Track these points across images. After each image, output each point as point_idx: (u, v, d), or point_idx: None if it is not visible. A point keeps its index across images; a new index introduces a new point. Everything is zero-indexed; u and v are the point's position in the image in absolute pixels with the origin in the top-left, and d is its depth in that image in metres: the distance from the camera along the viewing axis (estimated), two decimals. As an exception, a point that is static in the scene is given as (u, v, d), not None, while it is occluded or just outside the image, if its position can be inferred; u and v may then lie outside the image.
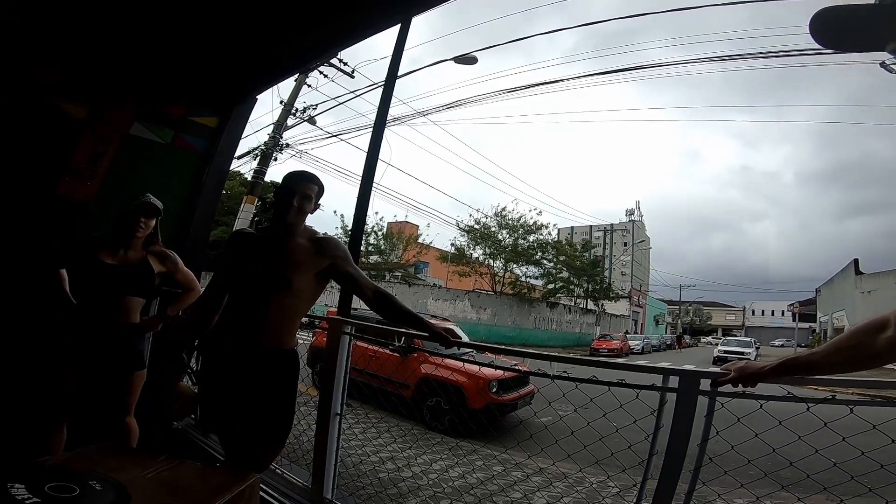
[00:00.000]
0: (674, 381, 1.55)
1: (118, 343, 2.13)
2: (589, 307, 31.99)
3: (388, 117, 2.98)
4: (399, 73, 3.00)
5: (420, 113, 14.02)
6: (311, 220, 1.91)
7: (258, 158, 11.19)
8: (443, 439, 4.21)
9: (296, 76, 10.76)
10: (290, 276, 1.69)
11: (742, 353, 22.32)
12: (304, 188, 1.75)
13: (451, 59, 10.76)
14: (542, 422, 2.12)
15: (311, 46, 3.05)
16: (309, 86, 11.51)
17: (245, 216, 10.63)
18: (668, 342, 36.78)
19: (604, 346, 24.89)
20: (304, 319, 2.25)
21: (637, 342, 28.46)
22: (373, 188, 2.94)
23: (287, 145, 11.40)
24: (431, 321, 2.01)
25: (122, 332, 2.15)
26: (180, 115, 3.51)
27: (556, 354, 2.00)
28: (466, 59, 10.65)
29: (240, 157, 11.43)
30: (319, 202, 1.85)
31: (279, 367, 1.74)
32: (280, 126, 11.23)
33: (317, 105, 11.90)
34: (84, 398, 2.13)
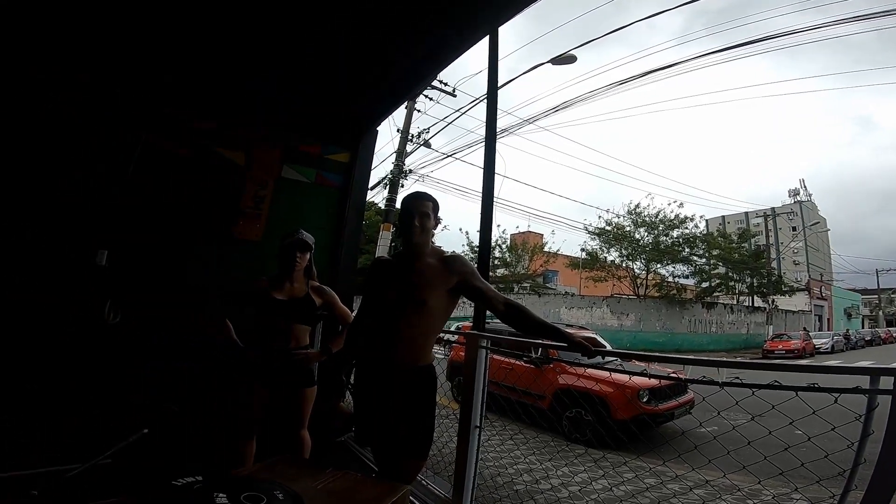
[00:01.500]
0: (886, 382, 1.28)
1: (292, 365, 2.44)
2: (756, 304, 27.72)
3: (497, 129, 2.99)
4: (498, 84, 3.00)
5: (527, 120, 13.73)
6: (439, 239, 1.99)
7: (387, 187, 12.13)
8: (586, 451, 3.94)
9: (405, 104, 11.45)
10: (423, 295, 1.77)
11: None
12: (419, 207, 1.83)
13: (548, 62, 10.42)
14: (707, 431, 1.85)
15: (412, 73, 3.22)
16: (419, 111, 12.19)
17: (384, 243, 11.49)
18: (868, 338, 30.15)
19: (780, 346, 21.19)
20: (443, 335, 2.31)
21: (824, 340, 23.79)
22: (494, 201, 2.97)
23: (410, 171, 12.18)
24: (569, 330, 1.92)
25: (295, 356, 2.46)
26: (318, 155, 3.95)
27: (725, 360, 1.74)
28: (565, 59, 10.20)
29: (372, 188, 12.50)
30: (439, 217, 1.92)
31: (418, 382, 1.82)
32: (401, 154, 12.04)
33: (429, 128, 12.55)
34: (268, 415, 2.46)
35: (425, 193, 1.91)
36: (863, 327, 38.93)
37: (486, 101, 2.97)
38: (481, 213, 2.89)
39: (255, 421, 2.43)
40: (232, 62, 3.18)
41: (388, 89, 3.48)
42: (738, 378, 1.57)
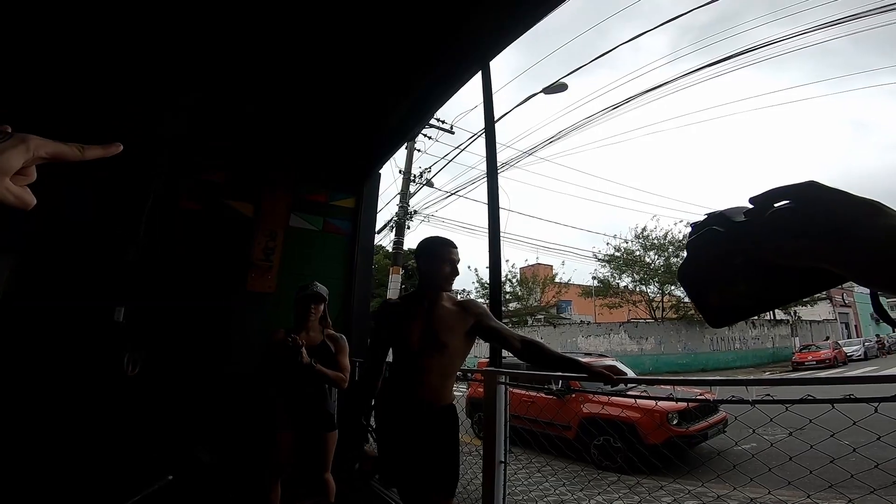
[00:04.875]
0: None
1: (313, 410, 2.51)
2: (779, 318, 26.99)
3: (497, 162, 3.03)
4: (495, 117, 3.07)
5: (526, 152, 13.88)
6: None
7: (394, 229, 12.20)
8: (619, 478, 3.76)
9: (405, 145, 11.71)
10: (445, 339, 1.82)
11: None
12: (453, 255, 1.91)
13: (540, 92, 10.65)
14: (744, 449, 1.78)
15: (410, 114, 3.32)
16: (419, 150, 12.40)
17: (394, 286, 11.45)
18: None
19: (809, 357, 20.38)
20: (460, 373, 2.30)
21: (855, 347, 22.92)
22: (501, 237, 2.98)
23: (415, 212, 12.29)
24: (587, 360, 1.90)
25: (315, 400, 2.52)
26: (324, 202, 4.02)
27: (752, 378, 1.69)
28: (556, 88, 10.43)
29: (378, 231, 12.57)
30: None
31: (442, 421, 1.83)
32: (405, 195, 12.15)
33: (430, 167, 12.72)
34: (293, 459, 2.50)
35: (452, 242, 1.97)
36: (894, 331, 37.55)
37: (484, 135, 3.03)
38: (489, 251, 2.88)
39: (282, 465, 2.48)
40: (235, 115, 3.30)
41: (387, 132, 3.59)
42: (769, 395, 1.52)
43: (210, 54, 2.75)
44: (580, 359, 1.91)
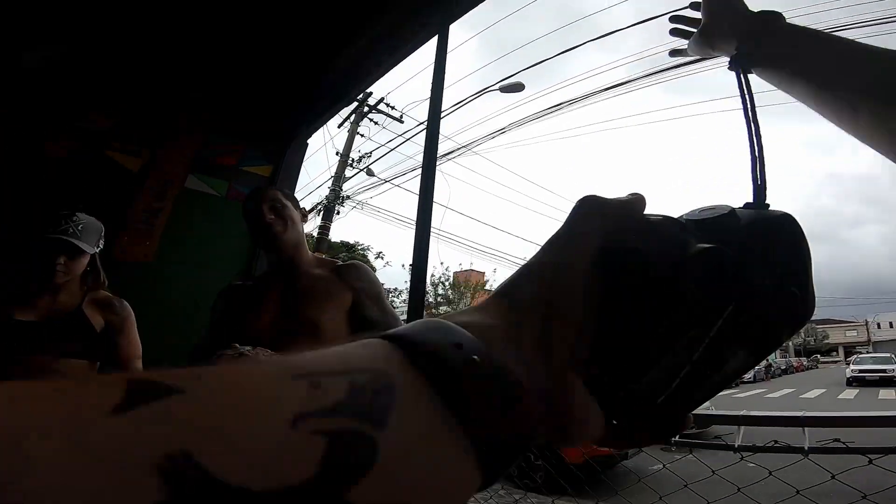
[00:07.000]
0: None
1: None
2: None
3: (442, 149, 2.65)
4: (443, 111, 2.68)
5: (464, 146, 12.90)
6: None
7: (321, 213, 11.29)
8: (538, 499, 3.44)
9: (348, 127, 11.06)
10: (312, 314, 1.27)
11: (885, 371, 20.38)
12: (265, 197, 1.38)
13: (496, 88, 10.35)
14: (653, 470, 1.60)
15: (348, 73, 2.85)
16: (362, 135, 11.71)
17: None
18: (783, 367, 32.85)
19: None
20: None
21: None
22: (431, 231, 2.59)
23: (347, 197, 11.46)
24: None
25: None
26: (234, 165, 3.38)
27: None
28: (513, 87, 10.22)
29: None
30: (305, 211, 1.51)
31: None
32: (339, 177, 11.30)
33: (371, 152, 11.96)
34: None
35: (256, 190, 1.50)
36: (776, 358, 42.27)
37: (428, 113, 2.61)
38: (415, 242, 2.49)
39: None
40: (132, 52, 2.67)
41: (320, 94, 3.08)
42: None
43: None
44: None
